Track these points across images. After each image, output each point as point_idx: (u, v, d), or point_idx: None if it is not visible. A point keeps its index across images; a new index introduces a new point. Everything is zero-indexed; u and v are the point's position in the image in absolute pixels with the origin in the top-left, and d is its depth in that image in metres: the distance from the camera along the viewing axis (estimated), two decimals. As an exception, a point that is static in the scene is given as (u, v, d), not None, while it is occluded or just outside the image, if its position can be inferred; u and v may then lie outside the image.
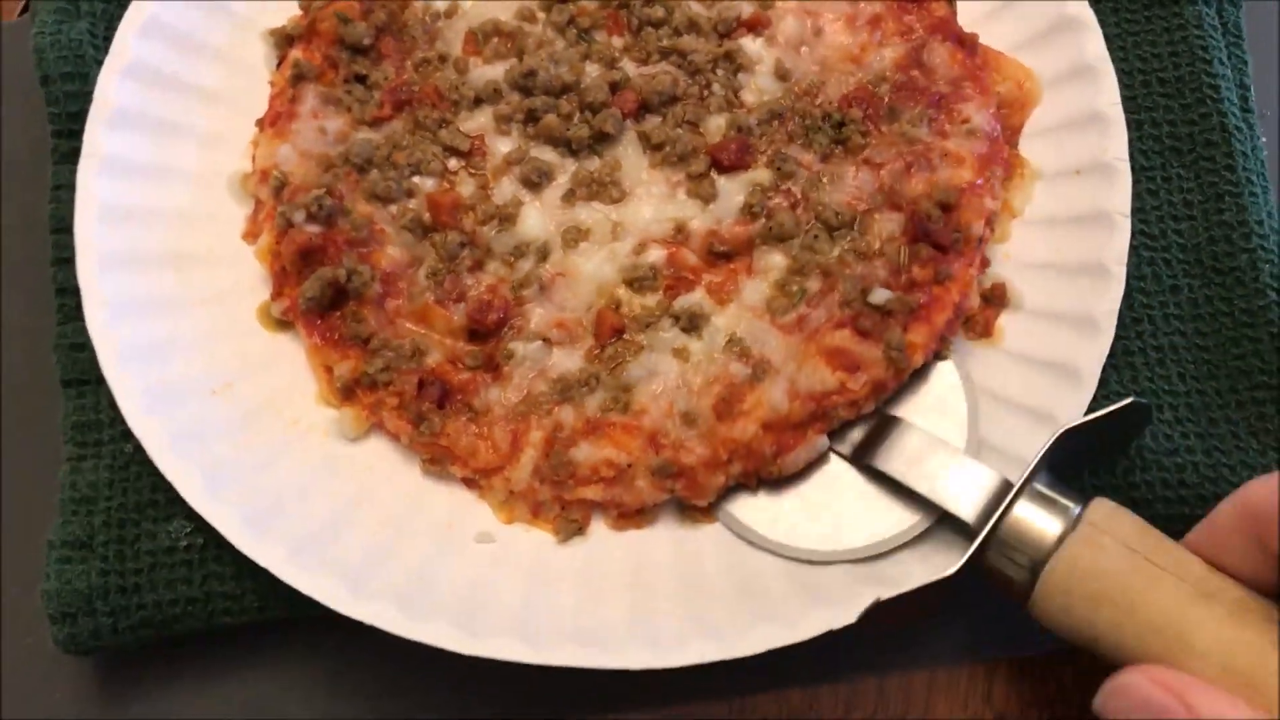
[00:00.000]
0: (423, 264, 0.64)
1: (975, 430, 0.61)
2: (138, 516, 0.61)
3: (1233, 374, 0.64)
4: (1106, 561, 0.51)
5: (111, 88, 0.66)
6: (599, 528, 0.61)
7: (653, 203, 0.65)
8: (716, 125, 0.66)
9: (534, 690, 0.60)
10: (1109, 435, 0.58)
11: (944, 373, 0.62)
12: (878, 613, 0.54)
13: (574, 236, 0.64)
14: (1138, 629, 0.50)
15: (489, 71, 0.67)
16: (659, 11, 0.68)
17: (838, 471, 0.61)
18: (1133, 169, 0.65)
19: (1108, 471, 0.61)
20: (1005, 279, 0.65)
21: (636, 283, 0.63)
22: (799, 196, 0.64)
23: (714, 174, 0.65)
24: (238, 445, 0.61)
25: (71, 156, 0.66)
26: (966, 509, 0.56)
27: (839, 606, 0.55)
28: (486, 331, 0.62)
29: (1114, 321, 0.62)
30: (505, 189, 0.65)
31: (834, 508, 0.60)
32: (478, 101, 0.67)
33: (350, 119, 0.66)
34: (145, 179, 0.66)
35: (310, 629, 0.61)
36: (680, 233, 0.64)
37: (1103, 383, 0.61)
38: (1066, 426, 0.55)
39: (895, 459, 0.59)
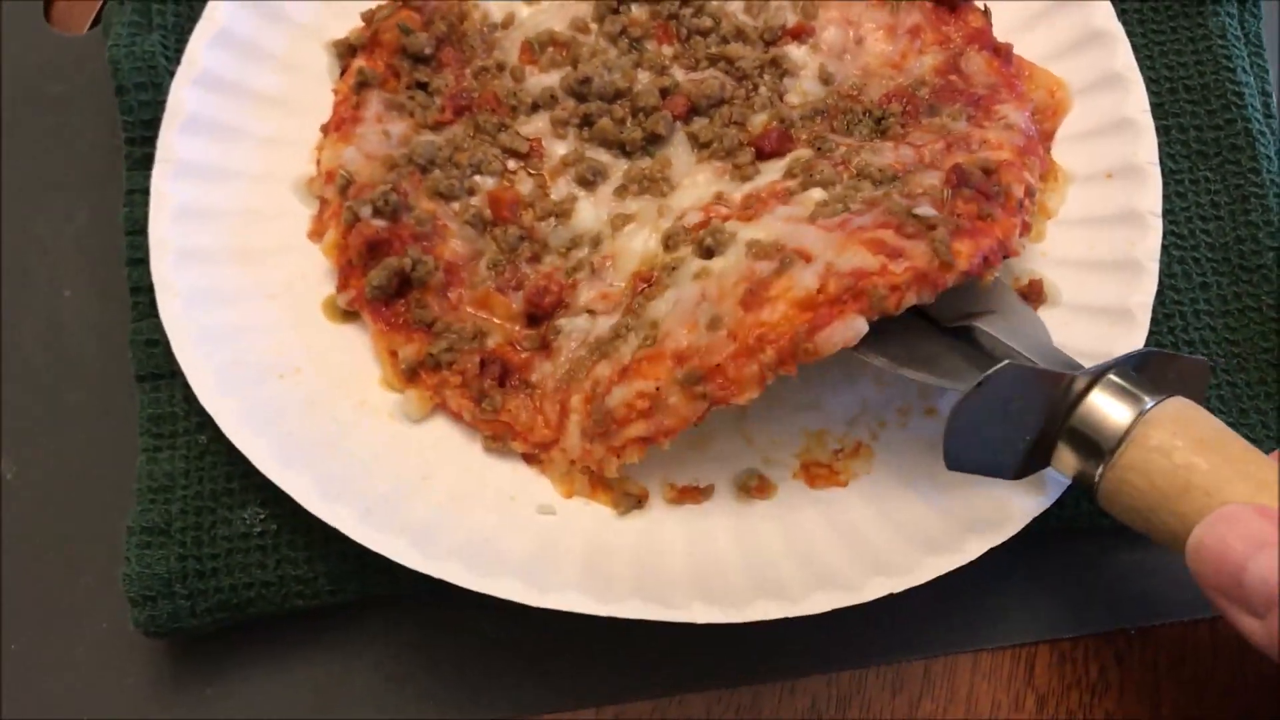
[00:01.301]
0: (484, 256, 0.66)
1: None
2: (213, 504, 0.63)
3: (1262, 366, 0.67)
4: (1177, 456, 0.52)
5: (184, 96, 0.69)
6: (657, 503, 0.63)
7: (698, 190, 0.67)
8: (761, 121, 0.69)
9: (594, 679, 0.62)
10: (1176, 381, 0.58)
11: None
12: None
13: (622, 221, 0.67)
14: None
15: (545, 79, 0.70)
16: (707, 21, 0.71)
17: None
18: (1162, 172, 0.68)
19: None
20: (1042, 275, 0.68)
21: (670, 239, 0.65)
22: (841, 161, 0.65)
23: (756, 161, 0.68)
24: (307, 425, 0.63)
25: (144, 162, 0.69)
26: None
27: (897, 576, 0.57)
28: (543, 315, 0.65)
29: (1148, 315, 0.64)
30: (562, 187, 0.68)
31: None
32: (535, 107, 0.70)
33: (413, 123, 0.69)
34: (215, 181, 0.69)
35: (379, 612, 0.63)
36: (720, 200, 0.66)
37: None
38: (1146, 350, 0.57)
39: (992, 338, 0.59)
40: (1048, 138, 0.70)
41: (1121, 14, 0.73)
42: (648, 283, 0.64)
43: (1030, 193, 0.64)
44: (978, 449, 0.57)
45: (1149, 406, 0.53)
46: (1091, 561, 0.65)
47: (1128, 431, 0.53)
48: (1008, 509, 0.60)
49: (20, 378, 0.70)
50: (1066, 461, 0.56)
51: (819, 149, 0.67)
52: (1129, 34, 0.72)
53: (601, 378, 0.62)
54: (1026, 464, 0.58)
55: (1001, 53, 0.70)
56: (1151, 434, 0.53)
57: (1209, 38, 0.73)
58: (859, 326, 0.57)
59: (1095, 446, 0.54)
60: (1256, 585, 0.48)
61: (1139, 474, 0.53)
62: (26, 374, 0.70)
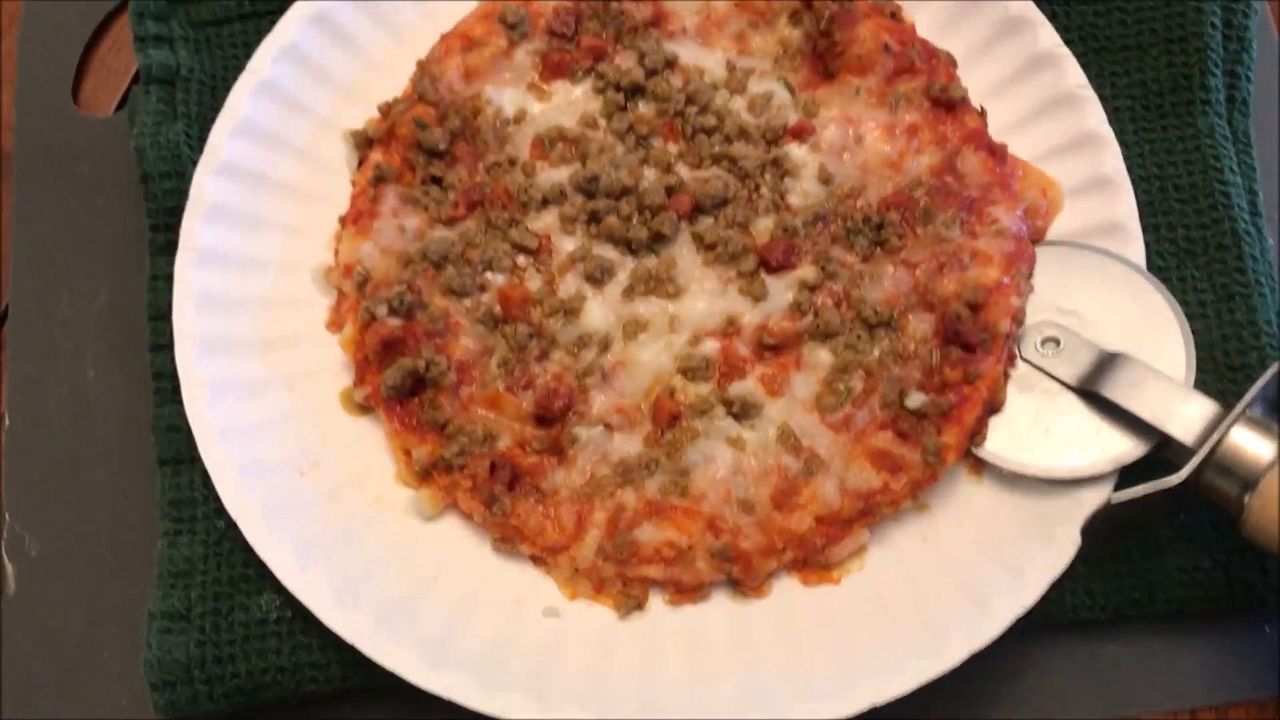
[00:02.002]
0: (494, 353, 0.69)
1: (1193, 366, 0.66)
2: (231, 590, 0.66)
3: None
4: None
5: (206, 185, 0.71)
6: (656, 603, 0.66)
7: (706, 298, 0.70)
8: (765, 226, 0.71)
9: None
10: None
11: (1163, 312, 0.68)
12: (1098, 520, 0.62)
13: (633, 329, 0.69)
14: None
15: (555, 175, 0.72)
16: (711, 119, 0.73)
17: (1059, 402, 0.67)
18: (1150, 270, 0.71)
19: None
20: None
21: (690, 372, 0.68)
22: (842, 295, 0.70)
23: (762, 273, 0.70)
24: (324, 522, 0.66)
25: (168, 249, 0.72)
26: (1188, 433, 0.62)
27: (883, 676, 0.60)
28: (553, 417, 0.67)
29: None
30: (570, 284, 0.70)
31: (1058, 435, 0.66)
32: (544, 203, 0.72)
33: (427, 217, 0.72)
34: (237, 269, 0.71)
35: (390, 698, 0.65)
36: (732, 326, 0.69)
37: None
38: None
39: (1120, 387, 0.64)
40: (1039, 235, 0.72)
41: (1114, 111, 0.75)
42: (674, 417, 0.67)
43: (1017, 316, 0.67)
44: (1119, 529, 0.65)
45: None
46: (1075, 653, 0.68)
47: (1272, 464, 0.59)
48: (990, 609, 0.63)
49: (46, 455, 0.72)
50: (1212, 492, 0.62)
51: (823, 268, 0.70)
52: (1120, 131, 0.74)
53: (627, 505, 0.65)
54: (1179, 507, 0.64)
55: (996, 152, 0.72)
56: None
57: (1198, 137, 0.75)
58: (864, 538, 0.66)
59: (1240, 478, 0.60)
60: None
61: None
62: (52, 452, 0.72)
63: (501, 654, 0.62)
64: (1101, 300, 0.69)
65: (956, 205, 0.70)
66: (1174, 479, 0.61)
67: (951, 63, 0.75)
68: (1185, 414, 0.63)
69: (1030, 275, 0.70)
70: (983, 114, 0.74)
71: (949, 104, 0.73)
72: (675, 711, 0.59)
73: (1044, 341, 0.68)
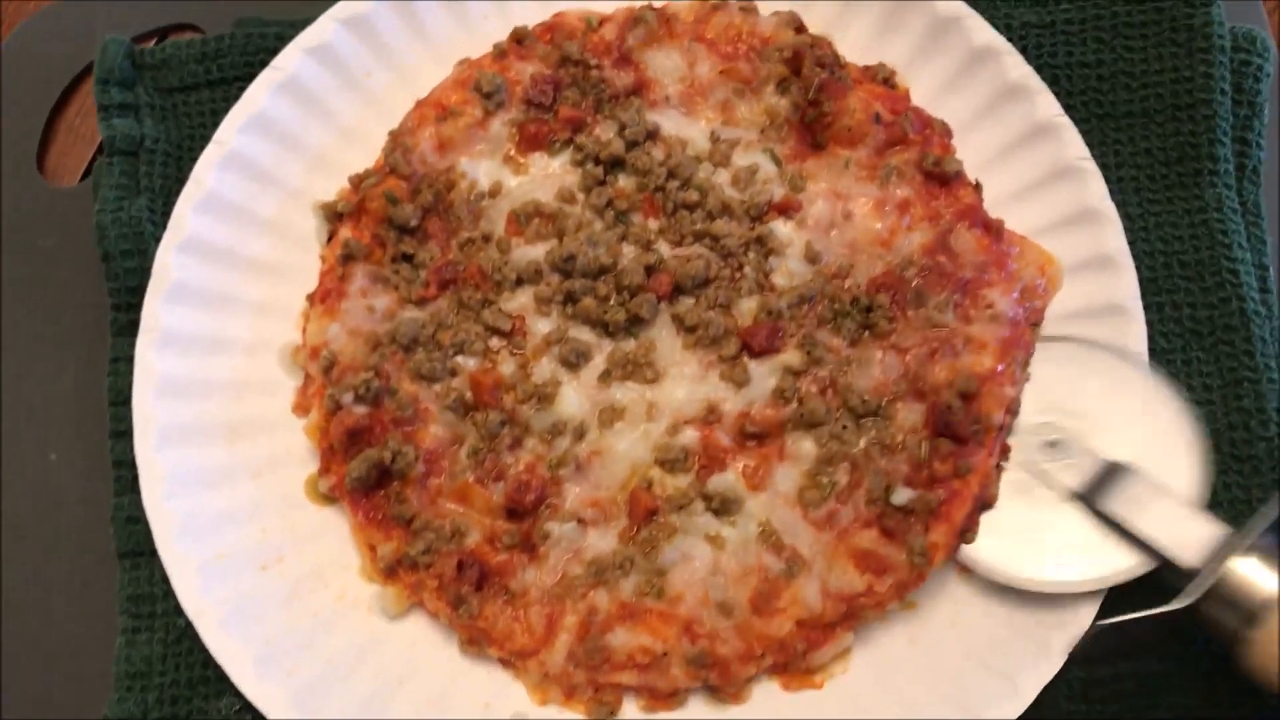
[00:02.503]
0: (464, 442, 0.66)
1: (1205, 480, 0.63)
2: (189, 693, 0.63)
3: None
4: None
5: (169, 263, 0.69)
6: (630, 709, 0.63)
7: (686, 384, 0.67)
8: (748, 308, 0.68)
9: None
10: None
11: (1177, 422, 0.64)
12: (1089, 643, 0.59)
13: (609, 416, 0.67)
14: None
15: (530, 252, 0.70)
16: (693, 195, 0.70)
17: (1057, 511, 0.64)
18: (1153, 352, 0.68)
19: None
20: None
21: (669, 463, 0.66)
22: (828, 381, 0.67)
23: (745, 357, 0.67)
24: (286, 622, 0.63)
25: (130, 329, 0.69)
26: (1189, 557, 0.59)
27: None
28: (524, 510, 0.65)
29: None
30: (544, 368, 0.68)
31: (1053, 546, 0.63)
32: (519, 282, 0.69)
33: (397, 297, 0.69)
34: (201, 351, 0.69)
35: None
36: (713, 414, 0.66)
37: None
38: None
39: (1120, 502, 0.62)
40: (1037, 316, 0.69)
41: (1117, 182, 0.72)
42: (651, 512, 0.64)
43: (1011, 406, 0.64)
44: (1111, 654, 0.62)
45: None
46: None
47: (1275, 600, 0.56)
48: (977, 717, 0.60)
49: (9, 545, 0.70)
50: (1211, 619, 0.58)
51: (809, 353, 0.67)
52: (1123, 204, 0.71)
53: (600, 607, 0.63)
54: (1175, 634, 0.60)
55: (992, 229, 0.69)
56: None
57: (1205, 210, 0.72)
58: (847, 641, 0.63)
59: (1242, 610, 0.57)
60: None
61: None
62: (12, 539, 0.70)
63: None
64: (1112, 404, 0.65)
65: (950, 287, 0.67)
66: (1172, 605, 0.58)
67: (946, 132, 0.72)
68: (1189, 537, 0.60)
69: (1026, 363, 0.67)
70: (978, 188, 0.71)
71: (943, 178, 0.70)
72: None
73: (1046, 445, 0.65)
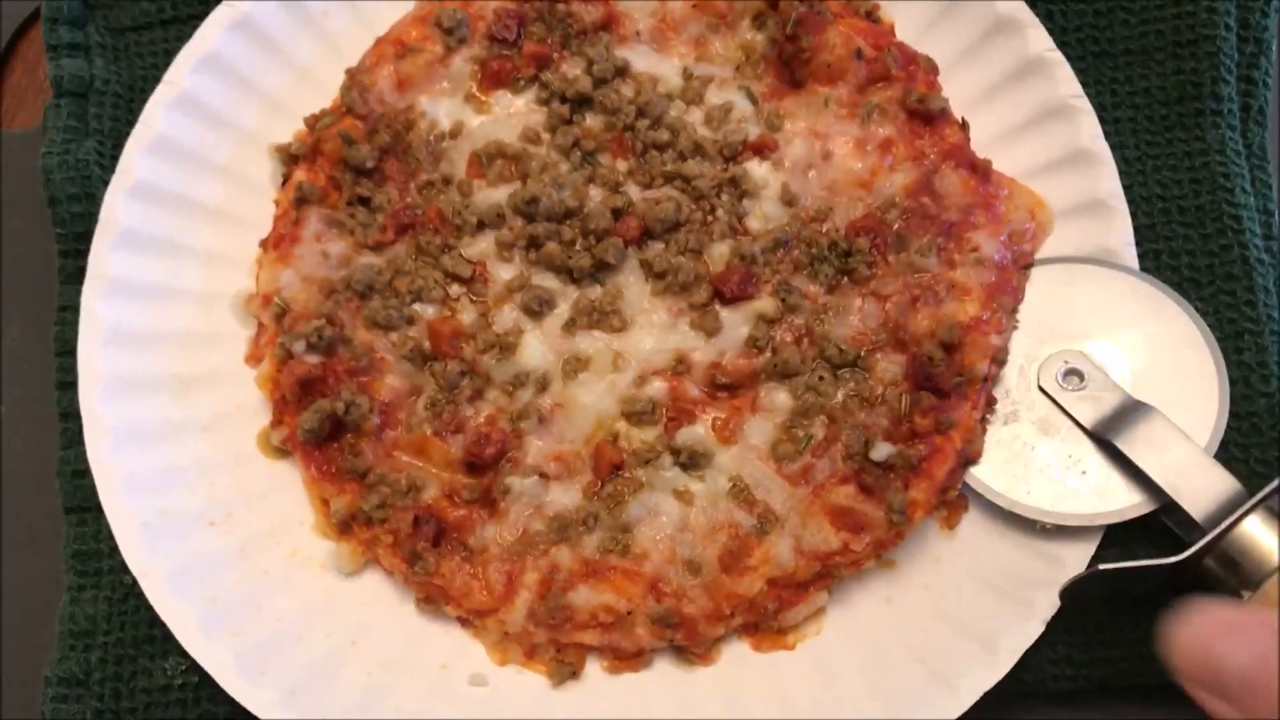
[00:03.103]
0: (422, 394, 0.64)
1: (1220, 430, 0.61)
2: (134, 652, 0.61)
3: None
4: None
5: (118, 209, 0.66)
6: (594, 670, 0.61)
7: (655, 332, 0.64)
8: (720, 253, 0.65)
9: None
10: None
11: (1201, 368, 0.62)
12: (1078, 587, 0.57)
13: (574, 367, 0.64)
14: None
15: (493, 195, 0.66)
16: (664, 135, 0.67)
17: (1073, 443, 0.62)
18: (1149, 302, 0.64)
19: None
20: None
21: (635, 415, 0.63)
22: (804, 330, 0.63)
23: (717, 305, 0.64)
24: (234, 582, 0.61)
25: (78, 276, 0.67)
26: (1199, 508, 0.57)
27: None
28: (484, 464, 0.62)
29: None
30: (506, 316, 0.65)
31: (1058, 477, 0.61)
32: (481, 226, 0.66)
33: (353, 242, 0.66)
34: (150, 300, 0.66)
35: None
36: (682, 364, 0.63)
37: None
38: None
39: (1138, 443, 0.59)
40: (1026, 259, 0.66)
41: (1114, 123, 0.69)
42: (616, 466, 0.61)
43: (996, 356, 0.61)
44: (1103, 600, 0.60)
45: None
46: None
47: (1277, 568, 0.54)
48: (957, 685, 0.58)
49: (-46, 498, 0.68)
50: (1212, 575, 0.56)
51: (784, 300, 0.63)
52: (1119, 145, 0.68)
53: (562, 565, 0.60)
54: (1174, 585, 0.57)
55: (979, 170, 0.66)
56: None
57: (1207, 153, 0.68)
58: (821, 601, 0.61)
59: (1245, 572, 0.55)
60: (1234, 680, 0.48)
61: None
62: (-39, 494, 0.68)
63: None
64: (1137, 332, 0.63)
65: (933, 230, 0.64)
66: (1173, 559, 0.55)
67: (932, 69, 0.68)
68: (1202, 487, 0.58)
69: (1015, 310, 0.64)
70: (965, 127, 0.67)
71: (927, 116, 0.66)
72: None
73: (1066, 374, 0.62)
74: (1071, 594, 0.58)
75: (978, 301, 0.62)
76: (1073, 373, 0.62)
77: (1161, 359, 0.62)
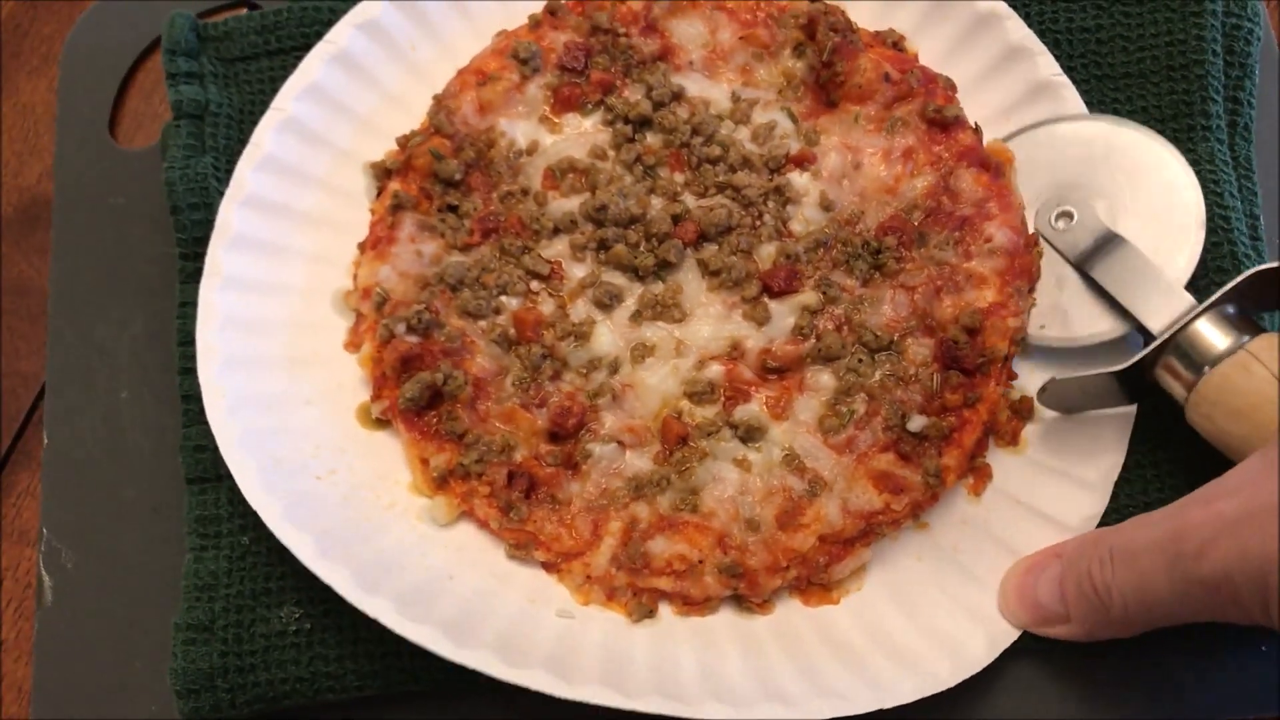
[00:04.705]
0: (509, 372, 0.72)
1: (1199, 245, 0.69)
2: (253, 603, 0.68)
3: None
4: (1251, 383, 0.60)
5: (231, 216, 0.75)
6: (665, 612, 0.68)
7: (711, 322, 0.72)
8: (767, 253, 0.73)
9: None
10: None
11: (1182, 197, 0.71)
12: (1053, 395, 0.67)
13: (641, 352, 0.72)
14: (1262, 446, 0.57)
15: (566, 204, 0.75)
16: (716, 150, 0.75)
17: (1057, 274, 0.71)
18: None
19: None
20: (1031, 394, 0.71)
21: (696, 395, 0.71)
22: (843, 319, 0.71)
23: (765, 298, 0.72)
24: (342, 520, 0.68)
25: (196, 276, 0.75)
26: (1155, 322, 0.66)
27: (884, 692, 0.62)
28: (565, 434, 0.70)
29: (1126, 437, 0.69)
30: (580, 309, 0.73)
31: (1040, 305, 0.71)
32: (556, 230, 0.75)
33: (443, 244, 0.75)
34: (259, 294, 0.74)
35: (403, 705, 0.68)
36: (736, 350, 0.71)
37: (1114, 495, 0.68)
38: (1258, 267, 0.64)
39: (1111, 270, 0.68)
40: (1033, 240, 0.72)
41: (1116, 136, 0.77)
42: (682, 438, 0.69)
43: (1015, 336, 0.69)
44: (1078, 405, 0.68)
45: (1246, 340, 0.62)
46: (1068, 673, 0.68)
47: (1222, 356, 0.62)
48: (990, 633, 0.64)
49: (82, 474, 0.76)
50: (1169, 375, 0.64)
51: (824, 293, 0.72)
52: (1119, 157, 0.75)
53: (640, 517, 0.68)
54: (1134, 389, 0.66)
55: (990, 166, 0.73)
56: (1240, 357, 0.61)
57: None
58: (865, 557, 0.68)
59: (1193, 366, 0.63)
60: (1046, 597, 0.63)
61: (1223, 389, 0.61)
62: (87, 470, 0.76)
63: (520, 639, 0.63)
64: (1128, 175, 0.71)
65: (950, 225, 0.72)
66: (1123, 365, 0.64)
67: (951, 87, 0.76)
68: (1160, 303, 0.66)
69: (1032, 289, 0.71)
70: (977, 130, 0.74)
71: (944, 124, 0.74)
72: (693, 701, 0.61)
73: (1059, 216, 0.71)
74: (1052, 404, 0.68)
75: (994, 288, 0.70)
76: (1064, 215, 0.72)
77: (1145, 193, 0.71)
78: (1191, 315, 0.63)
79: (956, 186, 0.73)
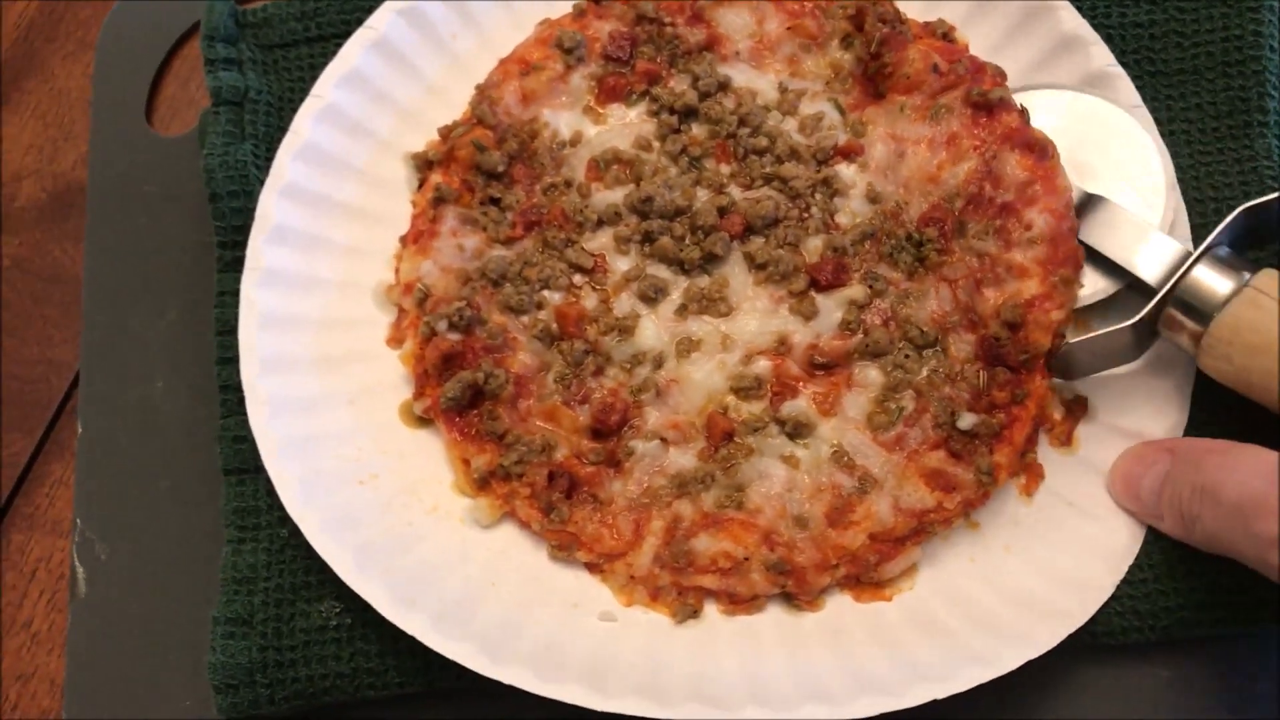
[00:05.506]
0: (551, 369, 0.70)
1: (1171, 203, 0.70)
2: (292, 596, 0.67)
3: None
4: (1263, 318, 0.61)
5: (271, 207, 0.74)
6: (711, 612, 0.67)
7: (758, 317, 0.71)
8: (814, 246, 0.72)
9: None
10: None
11: (1149, 159, 0.71)
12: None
13: (686, 347, 0.70)
14: None
15: (610, 196, 0.74)
16: (763, 141, 0.74)
17: None
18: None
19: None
20: (1085, 393, 0.70)
21: (743, 391, 0.69)
22: (889, 313, 0.70)
23: (813, 292, 0.71)
24: (382, 530, 0.67)
25: (234, 265, 0.74)
26: (1150, 273, 0.66)
27: (938, 683, 0.61)
28: (608, 431, 0.69)
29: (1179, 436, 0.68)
30: (624, 303, 0.72)
31: None
32: (599, 223, 0.73)
33: (486, 237, 0.73)
34: (299, 289, 0.73)
35: (443, 703, 0.67)
36: (783, 345, 0.70)
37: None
38: (1245, 205, 0.64)
39: (1096, 228, 0.68)
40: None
41: (1169, 135, 0.75)
42: (728, 434, 0.68)
43: (1059, 329, 0.68)
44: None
45: (1248, 278, 0.62)
46: (1125, 676, 0.67)
47: (1229, 298, 0.62)
48: (1043, 626, 0.63)
49: (116, 464, 0.75)
50: (1174, 327, 0.65)
51: (870, 286, 0.70)
52: (1176, 155, 0.74)
53: (684, 515, 0.67)
54: (1140, 344, 0.67)
55: (1035, 148, 0.70)
56: (1248, 294, 0.62)
57: (1255, 158, 0.75)
58: (916, 556, 0.67)
59: (1200, 315, 0.63)
60: (1147, 496, 0.64)
61: (1236, 329, 0.62)
62: (122, 460, 0.75)
63: (559, 651, 0.63)
64: (1096, 143, 0.72)
65: (990, 213, 0.69)
66: (1131, 321, 0.64)
67: (1000, 75, 0.73)
68: (1151, 254, 0.66)
69: (1075, 279, 0.68)
70: (1024, 113, 0.72)
71: (988, 106, 0.71)
72: (733, 705, 0.60)
73: None
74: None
75: (1036, 279, 0.68)
76: None
77: (1114, 158, 0.72)
78: (1190, 261, 0.64)
79: (999, 171, 0.70)
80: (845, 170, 0.74)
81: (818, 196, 0.73)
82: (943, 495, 0.66)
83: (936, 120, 0.72)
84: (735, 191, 0.74)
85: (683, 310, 0.71)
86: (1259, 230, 0.67)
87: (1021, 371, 0.68)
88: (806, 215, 0.73)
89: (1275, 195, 0.65)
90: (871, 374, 0.69)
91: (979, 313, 0.69)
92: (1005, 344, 0.67)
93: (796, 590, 0.66)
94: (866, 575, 0.66)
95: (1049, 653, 0.63)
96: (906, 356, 0.69)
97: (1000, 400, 0.67)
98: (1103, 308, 0.70)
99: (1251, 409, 0.64)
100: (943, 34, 0.77)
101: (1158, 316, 0.65)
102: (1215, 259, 0.64)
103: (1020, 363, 0.67)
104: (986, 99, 0.71)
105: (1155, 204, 0.70)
